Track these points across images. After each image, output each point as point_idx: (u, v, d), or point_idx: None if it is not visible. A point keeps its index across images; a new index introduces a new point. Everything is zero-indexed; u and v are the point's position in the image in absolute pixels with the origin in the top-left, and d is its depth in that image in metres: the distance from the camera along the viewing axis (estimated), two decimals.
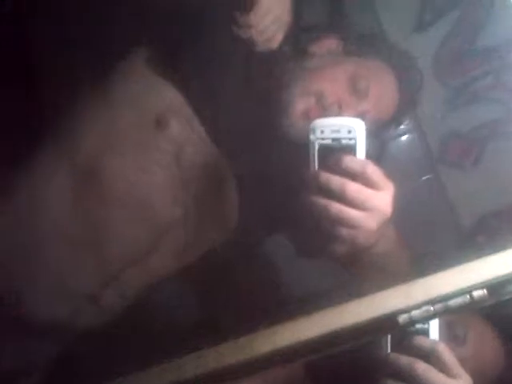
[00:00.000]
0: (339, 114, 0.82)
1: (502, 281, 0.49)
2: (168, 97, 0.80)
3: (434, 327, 0.64)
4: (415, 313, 0.51)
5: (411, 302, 0.53)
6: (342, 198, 0.58)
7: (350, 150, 0.58)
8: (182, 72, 0.80)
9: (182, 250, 0.84)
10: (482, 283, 0.50)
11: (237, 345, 0.54)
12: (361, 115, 0.84)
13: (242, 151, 0.83)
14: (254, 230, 0.93)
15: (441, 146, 1.30)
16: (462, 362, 0.63)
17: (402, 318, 0.51)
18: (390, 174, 0.64)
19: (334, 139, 0.59)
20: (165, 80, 0.80)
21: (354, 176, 0.57)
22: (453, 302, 0.50)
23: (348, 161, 0.58)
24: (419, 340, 0.62)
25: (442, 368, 0.61)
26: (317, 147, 0.59)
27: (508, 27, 1.22)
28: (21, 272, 0.79)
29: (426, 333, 0.64)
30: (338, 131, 0.59)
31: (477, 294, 0.49)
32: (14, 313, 0.79)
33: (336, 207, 0.58)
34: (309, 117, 0.82)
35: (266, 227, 0.94)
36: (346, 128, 0.58)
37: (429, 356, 0.61)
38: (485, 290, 0.49)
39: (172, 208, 0.81)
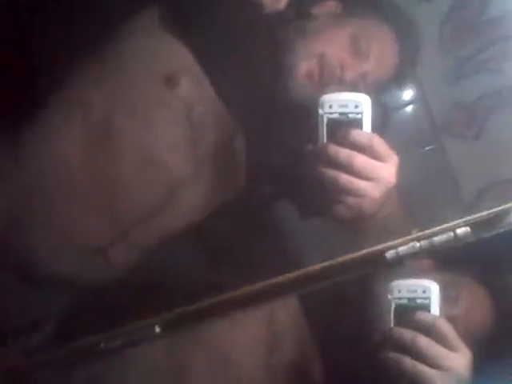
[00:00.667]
0: (341, 75, 0.85)
1: (484, 219, 0.51)
2: (178, 56, 0.81)
3: (435, 302, 0.67)
4: (402, 249, 0.54)
5: (398, 240, 0.56)
6: (349, 169, 0.63)
7: (357, 123, 0.63)
8: (192, 31, 0.82)
9: (192, 207, 0.87)
10: (465, 221, 0.52)
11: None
12: (362, 75, 0.86)
13: (250, 111, 0.86)
14: (260, 190, 0.96)
15: (445, 116, 1.31)
16: (455, 320, 0.68)
17: (390, 254, 0.54)
18: (394, 144, 0.68)
19: (341, 113, 0.63)
20: (175, 39, 0.81)
21: (360, 148, 0.62)
22: (438, 239, 0.53)
23: (355, 134, 0.62)
24: (421, 315, 0.65)
25: (443, 342, 0.64)
26: (325, 121, 0.63)
27: None
28: (32, 224, 0.81)
29: (427, 308, 0.67)
30: (345, 106, 0.63)
31: (460, 231, 0.52)
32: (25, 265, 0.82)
33: (344, 177, 0.63)
34: (312, 78, 0.85)
35: (271, 188, 0.97)
36: (353, 103, 0.62)
37: (430, 330, 0.64)
38: (468, 228, 0.52)
39: (182, 165, 0.83)
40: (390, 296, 0.66)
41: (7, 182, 0.81)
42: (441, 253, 0.62)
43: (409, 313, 0.65)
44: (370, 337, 0.73)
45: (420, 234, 0.52)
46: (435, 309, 0.65)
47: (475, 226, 0.50)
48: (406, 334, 0.66)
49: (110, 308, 0.86)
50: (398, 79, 0.97)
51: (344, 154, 0.62)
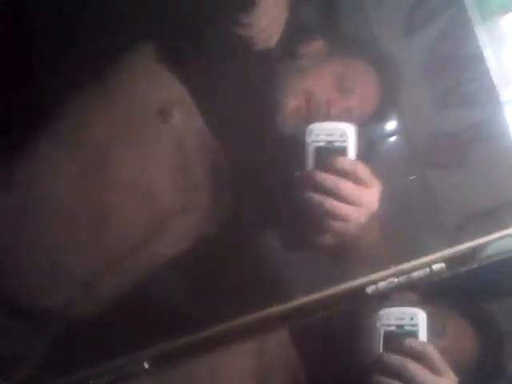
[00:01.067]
0: (328, 111, 0.88)
1: (459, 254, 0.53)
2: (171, 88, 0.84)
3: (423, 329, 0.69)
4: (381, 284, 0.55)
5: (378, 275, 0.57)
6: (335, 194, 0.66)
7: (343, 151, 0.67)
8: (186, 66, 0.85)
9: (180, 238, 0.88)
10: (441, 257, 0.54)
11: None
12: (348, 111, 0.89)
13: (238, 145, 0.88)
14: (246, 221, 0.98)
15: (427, 146, 1.33)
16: (442, 352, 0.69)
17: (370, 289, 0.55)
18: (378, 174, 0.70)
19: (328, 142, 0.67)
20: (168, 72, 0.84)
21: (345, 175, 0.65)
22: (415, 275, 0.54)
23: (340, 161, 0.66)
24: (409, 341, 0.67)
25: (431, 367, 0.66)
26: (312, 149, 0.67)
27: None
28: (18, 257, 0.82)
29: (415, 335, 0.69)
30: (331, 134, 0.67)
31: (435, 267, 0.53)
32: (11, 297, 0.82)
33: (331, 203, 0.65)
34: (299, 113, 0.88)
35: (257, 220, 0.98)
36: (339, 132, 0.67)
37: (419, 356, 0.67)
38: (443, 264, 0.53)
39: (173, 195, 0.85)
40: (378, 323, 0.68)
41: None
42: (420, 286, 0.64)
43: (397, 339, 0.67)
44: (358, 365, 0.75)
45: (398, 269, 0.53)
46: (423, 335, 0.67)
47: (450, 261, 0.51)
48: (396, 359, 0.67)
49: (98, 342, 0.86)
50: (381, 113, 1.00)
51: (330, 179, 0.66)
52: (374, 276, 0.55)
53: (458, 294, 0.82)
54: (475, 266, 0.54)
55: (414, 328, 0.67)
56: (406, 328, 0.67)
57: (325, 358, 0.84)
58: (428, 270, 0.52)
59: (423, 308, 0.83)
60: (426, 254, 0.62)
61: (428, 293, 0.92)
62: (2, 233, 0.81)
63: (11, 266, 0.81)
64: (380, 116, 1.05)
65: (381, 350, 0.68)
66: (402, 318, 0.68)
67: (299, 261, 1.03)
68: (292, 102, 0.89)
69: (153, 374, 0.59)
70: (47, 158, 0.82)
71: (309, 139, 0.67)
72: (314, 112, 0.88)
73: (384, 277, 0.54)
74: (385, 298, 0.66)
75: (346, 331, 0.81)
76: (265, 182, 0.89)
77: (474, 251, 0.51)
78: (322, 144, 0.66)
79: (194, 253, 0.90)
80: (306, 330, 0.83)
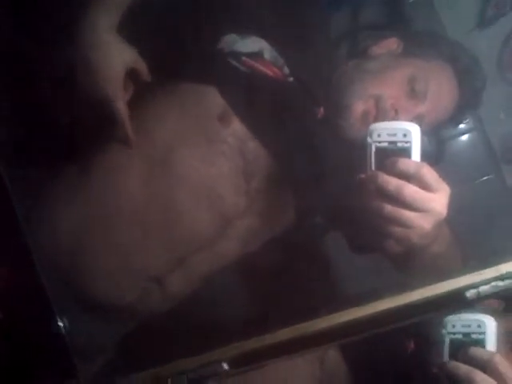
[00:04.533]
0: (396, 117, 0.84)
1: None
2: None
3: (491, 338, 0.64)
4: (483, 288, 0.51)
5: (480, 277, 0.53)
6: (398, 199, 0.60)
7: (406, 152, 0.61)
8: None
9: (246, 239, 0.88)
10: None
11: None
12: (418, 118, 0.85)
13: (301, 150, 0.86)
14: (311, 222, 0.96)
15: (503, 144, 1.27)
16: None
17: (470, 293, 0.52)
18: (449, 174, 0.66)
19: (390, 142, 0.62)
20: None
21: (409, 178, 0.60)
22: None
23: (403, 163, 0.61)
24: (476, 351, 0.63)
25: (498, 378, 0.62)
26: (374, 149, 0.62)
27: None
28: (93, 254, 0.83)
29: (482, 343, 0.64)
30: (394, 135, 0.62)
31: None
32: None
33: (392, 208, 0.61)
34: (367, 119, 0.85)
35: (321, 223, 0.96)
36: (402, 132, 0.61)
37: (485, 366, 0.62)
38: None
39: (237, 198, 0.84)
40: (444, 331, 0.64)
41: (70, 214, 0.83)
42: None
43: (464, 348, 0.63)
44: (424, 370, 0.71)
45: (503, 272, 0.49)
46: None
47: None
48: (462, 368, 0.63)
49: (167, 338, 0.87)
50: (459, 119, 0.95)
51: (393, 183, 0.61)
52: (475, 279, 0.51)
53: None
54: None
55: (481, 336, 0.63)
56: (473, 336, 0.64)
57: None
58: None
59: (503, 317, 0.78)
60: None
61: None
62: (77, 235, 0.83)
63: (87, 267, 0.83)
64: (457, 121, 1.00)
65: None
66: (469, 326, 0.64)
67: (366, 265, 1.00)
68: (360, 106, 0.86)
69: (231, 376, 0.57)
70: (116, 159, 0.83)
71: (370, 139, 0.62)
72: (381, 118, 0.84)
73: (487, 280, 0.50)
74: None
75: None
76: (328, 186, 0.87)
77: None
78: (384, 145, 0.62)
79: (261, 254, 0.90)
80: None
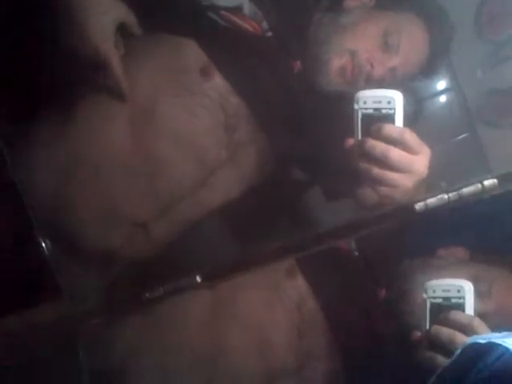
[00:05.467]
0: (371, 71, 0.87)
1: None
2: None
3: (469, 302, 0.68)
4: (431, 201, 0.56)
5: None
6: (384, 161, 0.66)
7: (390, 118, 0.67)
8: None
9: (227, 187, 0.92)
10: (492, 174, 0.54)
11: None
12: (391, 71, 0.89)
13: (279, 103, 0.90)
14: (291, 175, 0.99)
15: (479, 103, 1.30)
16: (486, 317, 0.69)
17: (419, 206, 0.56)
18: (428, 134, 0.70)
19: (375, 109, 0.67)
20: None
21: (393, 142, 0.66)
22: (466, 191, 0.54)
23: (388, 128, 0.66)
24: (456, 314, 0.67)
25: None
26: (360, 115, 0.68)
27: None
28: (78, 200, 0.86)
29: (461, 307, 0.68)
30: (379, 102, 0.67)
31: (488, 182, 0.53)
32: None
33: (379, 170, 0.67)
34: (345, 74, 0.88)
35: (302, 174, 1.00)
36: (386, 99, 0.67)
37: (465, 329, 0.66)
38: (495, 180, 0.53)
39: (217, 149, 0.88)
40: (424, 295, 0.68)
41: (55, 156, 0.86)
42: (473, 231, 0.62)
43: (444, 312, 0.66)
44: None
45: (448, 186, 0.54)
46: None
47: (502, 178, 0.51)
48: (444, 331, 0.67)
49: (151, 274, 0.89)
50: (430, 70, 0.98)
51: (379, 147, 0.66)
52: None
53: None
54: None
55: (461, 300, 0.67)
56: (453, 301, 0.67)
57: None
58: (479, 185, 0.52)
59: (471, 267, 0.81)
60: None
61: (478, 249, 0.92)
62: (62, 181, 0.85)
63: (73, 212, 0.86)
64: (429, 73, 1.02)
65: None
66: (449, 290, 0.67)
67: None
68: (337, 62, 0.88)
69: (205, 288, 0.62)
70: (99, 107, 0.85)
71: (356, 106, 0.67)
72: (357, 73, 0.87)
73: (433, 194, 0.54)
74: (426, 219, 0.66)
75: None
76: (307, 136, 0.90)
77: None
78: (369, 111, 0.67)
79: (241, 202, 0.93)
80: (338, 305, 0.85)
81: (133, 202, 0.87)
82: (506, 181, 0.52)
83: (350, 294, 0.87)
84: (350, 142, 0.69)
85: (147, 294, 0.63)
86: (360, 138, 0.68)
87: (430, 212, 0.57)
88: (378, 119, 0.66)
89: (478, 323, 0.67)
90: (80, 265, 0.90)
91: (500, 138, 1.27)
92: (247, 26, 0.86)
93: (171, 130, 0.85)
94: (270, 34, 0.88)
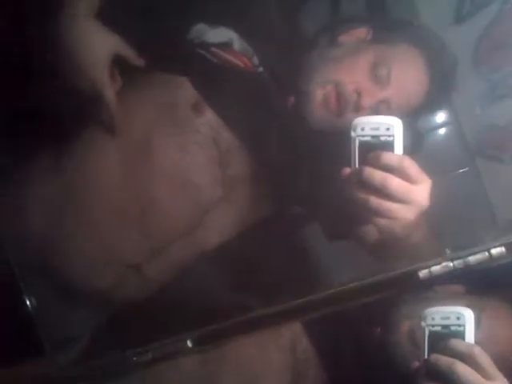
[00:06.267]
0: (358, 101, 0.85)
1: None
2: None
3: (470, 330, 0.66)
4: (435, 268, 0.54)
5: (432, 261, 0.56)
6: (382, 191, 0.63)
7: (389, 146, 0.63)
8: None
9: (223, 227, 0.90)
10: (500, 243, 0.52)
11: None
12: (383, 102, 0.86)
13: (274, 140, 0.88)
14: (289, 211, 0.97)
15: (478, 138, 1.29)
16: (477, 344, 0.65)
17: (423, 273, 0.54)
18: (427, 167, 0.68)
19: (373, 136, 0.64)
20: None
21: (392, 171, 0.62)
22: (472, 259, 0.52)
23: (386, 156, 0.63)
24: (455, 342, 0.64)
25: (479, 370, 0.63)
26: (357, 143, 0.64)
27: None
28: (70, 240, 0.85)
29: (461, 335, 0.66)
30: (377, 129, 0.64)
31: (495, 251, 0.52)
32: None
33: (377, 200, 0.64)
34: (328, 104, 0.86)
35: (301, 210, 0.98)
36: (385, 126, 0.63)
37: (465, 358, 0.63)
38: (503, 248, 0.52)
39: (212, 187, 0.86)
40: (423, 323, 0.65)
41: (47, 194, 0.85)
42: (473, 276, 0.61)
43: (443, 340, 0.64)
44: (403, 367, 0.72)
45: (454, 254, 0.52)
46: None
47: (510, 245, 0.49)
48: (444, 360, 0.64)
49: (143, 323, 0.88)
50: (431, 104, 0.96)
51: (378, 176, 0.63)
52: (427, 261, 0.53)
53: (507, 285, 0.78)
54: None
55: (461, 328, 0.64)
56: (452, 328, 0.65)
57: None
58: (487, 254, 0.50)
59: (465, 299, 0.79)
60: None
61: (474, 283, 0.89)
62: (53, 220, 0.84)
63: (63, 251, 0.85)
64: (429, 107, 1.00)
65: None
66: (448, 318, 0.65)
67: (343, 253, 1.02)
68: (319, 91, 0.86)
69: (195, 353, 0.59)
70: (95, 146, 0.85)
71: (354, 133, 0.64)
72: (343, 103, 0.85)
73: (438, 261, 0.52)
74: (429, 286, 0.64)
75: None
76: (304, 173, 0.88)
77: None
78: (367, 138, 0.64)
79: (238, 242, 0.92)
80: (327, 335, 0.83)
81: (125, 242, 0.85)
82: None
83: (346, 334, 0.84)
84: (347, 171, 0.66)
85: (134, 358, 0.61)
86: (357, 166, 0.65)
87: (433, 280, 0.55)
88: (376, 147, 0.63)
89: (478, 352, 0.64)
90: (69, 307, 0.88)
91: (499, 172, 1.27)
92: (238, 61, 0.85)
93: (164, 168, 0.84)
94: (261, 69, 0.88)
